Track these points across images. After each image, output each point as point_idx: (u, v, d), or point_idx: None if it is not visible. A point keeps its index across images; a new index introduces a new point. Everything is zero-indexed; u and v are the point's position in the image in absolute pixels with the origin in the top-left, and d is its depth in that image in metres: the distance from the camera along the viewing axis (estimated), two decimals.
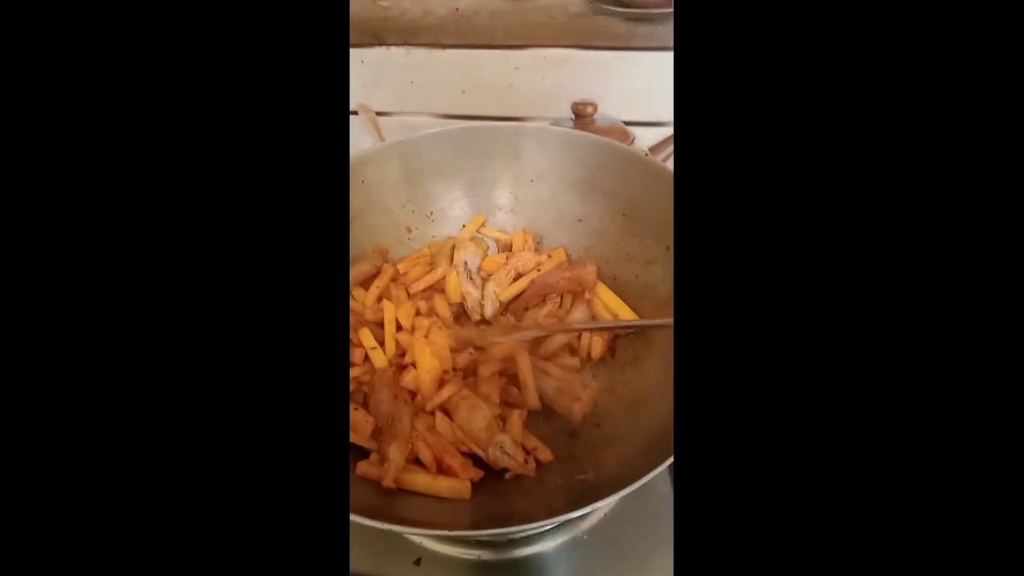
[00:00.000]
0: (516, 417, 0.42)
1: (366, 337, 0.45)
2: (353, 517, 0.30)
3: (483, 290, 0.50)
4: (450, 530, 0.32)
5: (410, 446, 0.39)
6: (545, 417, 0.44)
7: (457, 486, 0.37)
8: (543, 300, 0.49)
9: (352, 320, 0.47)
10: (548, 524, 0.36)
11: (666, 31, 0.60)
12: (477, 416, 0.39)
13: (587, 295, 0.49)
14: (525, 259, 0.51)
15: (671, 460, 0.31)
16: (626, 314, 0.48)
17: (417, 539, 0.43)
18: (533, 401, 0.43)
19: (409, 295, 0.50)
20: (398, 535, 0.42)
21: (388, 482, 0.36)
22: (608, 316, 0.48)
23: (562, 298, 0.50)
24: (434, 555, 0.42)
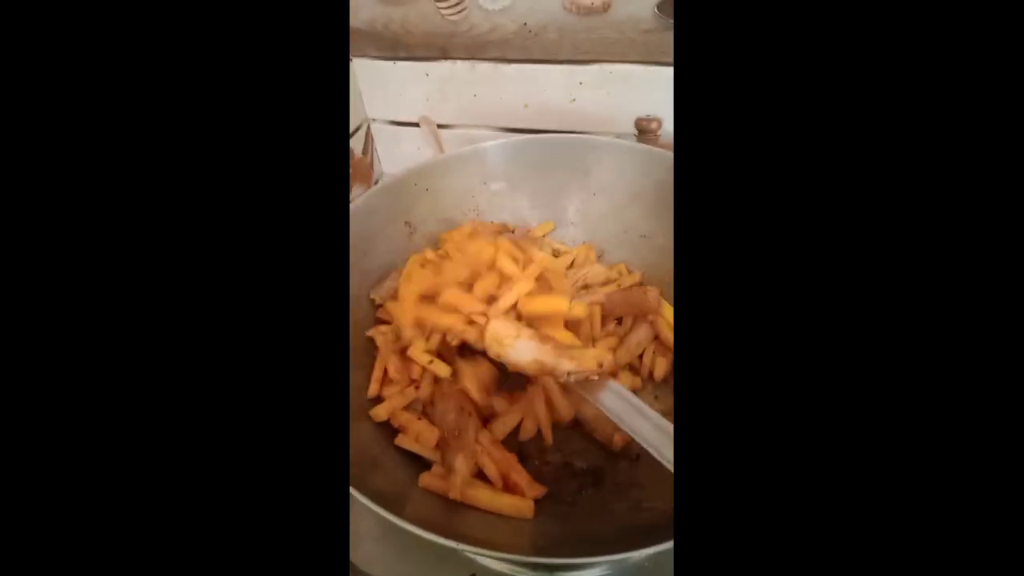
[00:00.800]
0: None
1: (417, 354, 0.43)
2: (415, 530, 0.30)
3: None
4: (510, 552, 0.32)
5: (475, 459, 0.38)
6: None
7: (520, 504, 0.36)
8: (604, 320, 0.48)
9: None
10: (609, 559, 0.34)
11: None
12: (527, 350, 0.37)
13: (650, 317, 0.48)
14: (595, 272, 0.50)
15: None
16: None
17: (471, 553, 0.42)
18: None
19: None
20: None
21: (455, 494, 0.35)
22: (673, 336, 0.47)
23: (622, 318, 0.49)
24: (488, 571, 0.41)
